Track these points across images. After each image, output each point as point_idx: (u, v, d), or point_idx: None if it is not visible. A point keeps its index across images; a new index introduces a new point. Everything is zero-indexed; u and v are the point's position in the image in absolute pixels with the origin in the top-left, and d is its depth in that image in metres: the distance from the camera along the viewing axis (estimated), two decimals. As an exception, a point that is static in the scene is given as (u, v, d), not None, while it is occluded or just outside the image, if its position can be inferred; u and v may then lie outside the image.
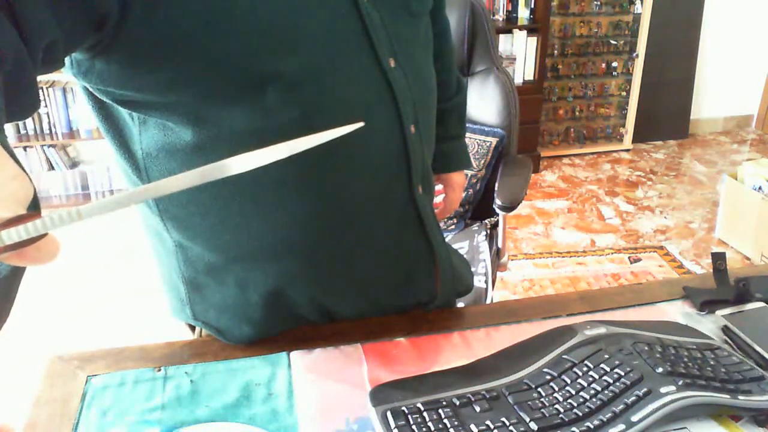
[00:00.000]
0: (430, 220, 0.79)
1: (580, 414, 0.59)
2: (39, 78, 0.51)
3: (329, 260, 0.74)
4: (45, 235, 0.30)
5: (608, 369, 0.64)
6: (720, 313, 0.78)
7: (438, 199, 1.01)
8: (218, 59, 0.60)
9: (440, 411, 0.59)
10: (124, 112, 0.65)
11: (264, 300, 0.74)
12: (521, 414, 0.59)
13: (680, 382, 0.62)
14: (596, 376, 0.63)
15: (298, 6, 0.62)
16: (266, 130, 0.63)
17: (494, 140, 1.72)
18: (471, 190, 1.76)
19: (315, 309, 0.78)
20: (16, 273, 0.39)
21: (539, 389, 0.62)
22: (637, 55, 3.44)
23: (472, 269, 1.48)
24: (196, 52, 0.59)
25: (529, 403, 0.60)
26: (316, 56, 0.64)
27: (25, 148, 2.95)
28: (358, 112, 0.68)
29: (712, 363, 0.67)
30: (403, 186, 0.75)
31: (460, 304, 0.94)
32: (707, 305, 0.80)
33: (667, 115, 3.70)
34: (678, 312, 0.81)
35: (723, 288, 0.83)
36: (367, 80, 0.68)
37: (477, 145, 1.73)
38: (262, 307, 0.75)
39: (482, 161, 1.74)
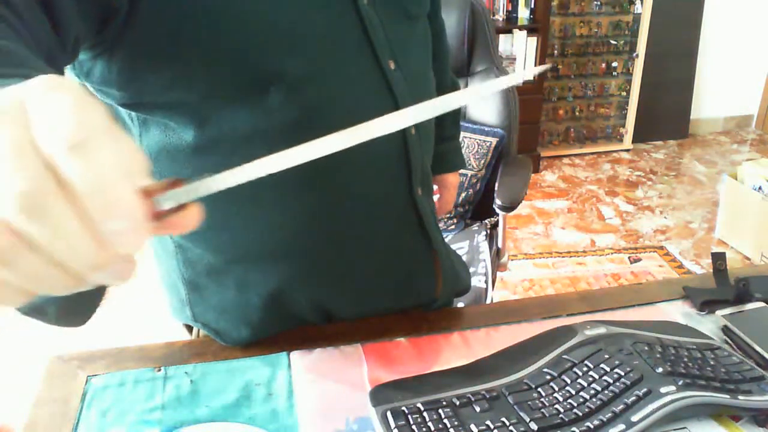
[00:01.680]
0: (430, 221, 0.79)
1: (580, 414, 0.59)
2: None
3: (329, 262, 0.74)
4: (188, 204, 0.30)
5: (608, 369, 0.64)
6: (720, 313, 0.78)
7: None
8: (221, 58, 0.60)
9: (440, 411, 0.59)
10: (123, 113, 0.65)
11: (263, 301, 0.74)
12: (521, 414, 0.59)
13: (680, 382, 0.62)
14: (596, 376, 0.63)
15: (299, 7, 0.62)
16: (267, 131, 0.63)
17: (494, 140, 1.72)
18: (471, 190, 1.76)
19: (314, 310, 0.78)
20: None
21: (539, 389, 0.62)
22: (637, 55, 3.44)
23: (472, 269, 1.49)
24: (198, 51, 0.59)
25: (529, 403, 0.60)
26: (317, 57, 0.64)
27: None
28: (358, 114, 0.68)
29: (712, 363, 0.67)
30: (404, 187, 0.75)
31: (460, 304, 0.94)
32: (707, 305, 0.80)
33: (667, 115, 3.70)
34: (678, 312, 0.81)
35: (723, 288, 0.83)
36: (367, 82, 0.68)
37: (477, 145, 1.73)
38: (261, 308, 0.75)
39: (482, 161, 1.74)
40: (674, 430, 0.61)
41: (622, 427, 0.58)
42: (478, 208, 1.77)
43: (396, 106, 0.70)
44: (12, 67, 0.37)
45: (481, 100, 1.73)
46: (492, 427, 0.58)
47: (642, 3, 3.36)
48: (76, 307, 0.40)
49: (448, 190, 1.07)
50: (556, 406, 0.60)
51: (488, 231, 1.65)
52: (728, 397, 0.62)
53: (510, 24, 3.18)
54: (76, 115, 0.25)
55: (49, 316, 0.38)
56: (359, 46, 0.67)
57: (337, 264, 0.75)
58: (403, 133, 0.71)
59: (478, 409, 0.60)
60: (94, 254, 0.26)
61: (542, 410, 0.60)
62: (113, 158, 0.25)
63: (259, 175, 0.29)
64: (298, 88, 0.63)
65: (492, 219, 1.71)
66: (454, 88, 1.01)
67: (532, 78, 3.25)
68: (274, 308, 0.75)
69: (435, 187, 1.04)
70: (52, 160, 0.24)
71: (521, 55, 3.18)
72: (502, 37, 3.13)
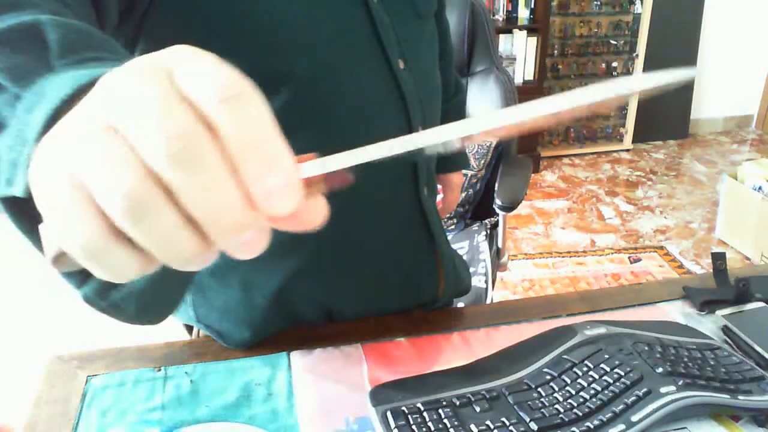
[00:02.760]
0: (434, 221, 0.79)
1: (580, 414, 0.59)
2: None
3: (335, 261, 0.74)
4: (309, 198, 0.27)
5: (608, 369, 0.64)
6: (720, 313, 0.78)
7: (437, 199, 1.02)
8: (231, 58, 0.60)
9: (440, 411, 0.59)
10: None
11: (267, 302, 0.74)
12: (521, 414, 0.59)
13: (680, 382, 0.62)
14: (596, 376, 0.63)
15: (309, 7, 0.62)
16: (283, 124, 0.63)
17: (494, 140, 1.72)
18: (471, 190, 1.75)
19: (317, 310, 0.78)
20: None
21: (539, 389, 0.62)
22: (637, 55, 3.44)
23: (472, 269, 1.49)
24: (208, 51, 0.59)
25: (529, 403, 0.60)
26: (327, 57, 0.64)
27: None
28: (368, 114, 0.68)
29: (712, 363, 0.67)
30: (410, 187, 0.75)
31: (460, 304, 0.94)
32: (707, 305, 0.80)
33: (667, 115, 3.70)
34: (678, 312, 0.81)
35: (723, 288, 0.83)
36: (377, 82, 0.68)
37: (477, 145, 1.73)
38: (265, 309, 0.74)
39: (482, 161, 1.74)
40: (674, 430, 0.61)
41: (622, 427, 0.58)
42: (478, 208, 1.77)
43: (404, 106, 0.70)
44: (106, 51, 0.36)
45: (480, 100, 1.73)
46: (492, 427, 0.58)
47: (642, 3, 3.36)
48: (157, 303, 0.39)
49: (452, 190, 1.07)
50: (556, 406, 0.60)
51: (488, 231, 1.65)
52: (728, 397, 0.62)
53: (510, 24, 3.18)
54: (226, 71, 0.24)
55: (127, 313, 0.37)
56: (369, 45, 0.67)
57: (342, 263, 0.75)
58: (411, 132, 0.71)
59: (478, 409, 0.60)
60: (241, 213, 0.23)
61: (542, 410, 0.60)
62: (268, 114, 0.24)
63: (402, 152, 0.27)
64: (307, 87, 0.63)
65: (492, 219, 1.71)
66: (459, 86, 1.01)
67: (532, 78, 3.25)
68: (278, 308, 0.75)
69: (438, 186, 1.05)
70: (205, 112, 0.23)
71: (521, 55, 3.19)
72: (502, 37, 3.13)
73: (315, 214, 0.28)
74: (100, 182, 0.22)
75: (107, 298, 0.34)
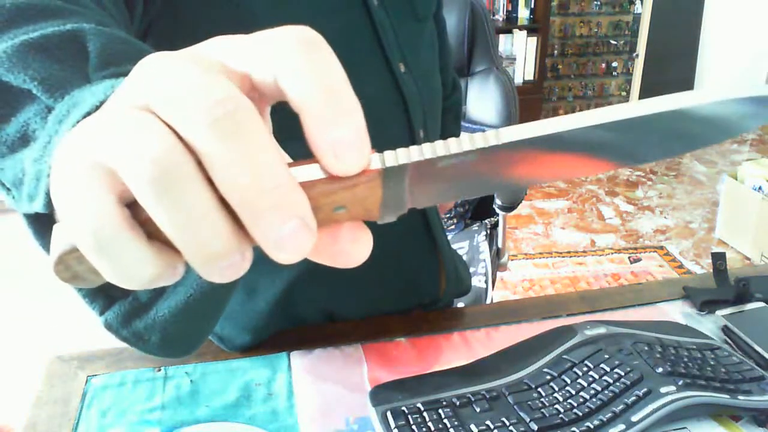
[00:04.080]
0: (435, 223, 0.79)
1: (580, 414, 0.59)
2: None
3: None
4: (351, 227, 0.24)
5: (608, 369, 0.64)
6: (720, 313, 0.78)
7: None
8: None
9: (440, 411, 0.59)
10: None
11: (270, 306, 0.74)
12: (521, 414, 0.59)
13: (680, 382, 0.62)
14: (596, 376, 0.63)
15: (310, 10, 0.62)
16: (279, 133, 0.63)
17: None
18: (471, 190, 1.75)
19: (318, 313, 0.78)
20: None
21: (539, 389, 0.62)
22: (637, 55, 3.44)
23: (472, 269, 1.49)
24: None
25: (529, 403, 0.60)
26: None
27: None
28: (370, 117, 0.68)
29: (712, 363, 0.67)
30: None
31: (460, 304, 0.94)
32: (707, 305, 0.80)
33: (667, 115, 3.70)
34: (678, 312, 0.81)
35: (723, 288, 0.83)
36: (378, 85, 0.68)
37: (477, 145, 1.73)
38: (267, 313, 0.74)
39: (482, 161, 1.74)
40: (674, 430, 0.61)
41: (622, 427, 0.58)
42: (478, 208, 1.77)
43: (405, 109, 0.70)
44: None
45: (480, 100, 1.73)
46: (492, 427, 0.58)
47: (642, 3, 3.36)
48: (182, 335, 0.37)
49: None
50: (556, 406, 0.60)
51: (488, 231, 1.65)
52: (728, 397, 0.62)
53: (510, 24, 3.19)
54: (286, 29, 0.21)
55: (150, 344, 0.35)
56: (371, 49, 0.67)
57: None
58: (412, 135, 0.72)
59: (478, 409, 0.60)
60: (288, 190, 0.20)
61: (542, 410, 0.60)
62: (336, 60, 0.22)
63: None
64: None
65: (492, 219, 1.71)
66: (455, 85, 1.01)
67: (532, 78, 3.25)
68: (279, 312, 0.75)
69: None
70: (260, 74, 0.21)
71: (521, 55, 3.19)
72: (502, 37, 3.13)
73: (360, 247, 0.25)
74: (125, 151, 0.20)
75: (130, 326, 0.33)
